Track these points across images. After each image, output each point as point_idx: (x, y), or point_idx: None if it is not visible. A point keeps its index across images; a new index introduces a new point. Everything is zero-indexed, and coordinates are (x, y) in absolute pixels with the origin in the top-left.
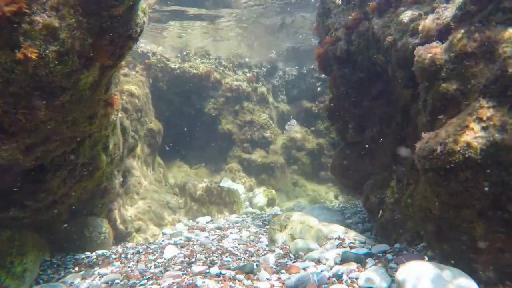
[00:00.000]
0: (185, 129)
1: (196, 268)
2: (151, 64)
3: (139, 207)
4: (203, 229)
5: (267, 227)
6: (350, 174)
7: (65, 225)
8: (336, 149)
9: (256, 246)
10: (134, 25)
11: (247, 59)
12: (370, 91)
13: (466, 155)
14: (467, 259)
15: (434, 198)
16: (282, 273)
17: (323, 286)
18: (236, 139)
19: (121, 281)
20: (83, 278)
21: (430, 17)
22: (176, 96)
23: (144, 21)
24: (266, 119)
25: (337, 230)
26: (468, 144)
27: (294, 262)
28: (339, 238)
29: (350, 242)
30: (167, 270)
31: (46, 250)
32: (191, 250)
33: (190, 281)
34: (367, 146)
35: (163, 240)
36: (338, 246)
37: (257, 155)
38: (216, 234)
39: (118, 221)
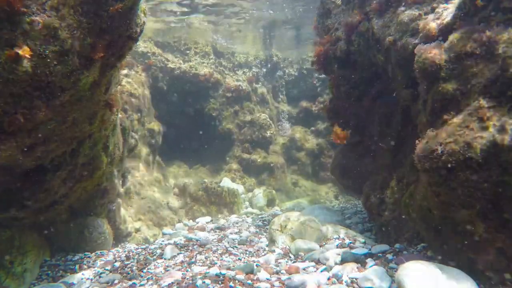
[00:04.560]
0: (185, 130)
1: (196, 268)
2: (151, 64)
3: (139, 207)
4: (203, 229)
5: (267, 227)
6: (350, 174)
7: (72, 225)
8: (336, 149)
9: (256, 246)
10: (134, 25)
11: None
12: (370, 91)
13: (466, 155)
14: (467, 259)
15: (434, 198)
16: (282, 273)
17: (323, 286)
18: (236, 139)
19: (121, 281)
20: (83, 278)
21: (430, 17)
22: (176, 96)
23: (144, 22)
24: (266, 119)
25: (337, 230)
26: (468, 144)
27: (294, 262)
28: (339, 238)
29: (350, 242)
30: (167, 270)
31: (46, 250)
32: (191, 250)
33: (190, 281)
34: (367, 146)
35: (163, 240)
36: (338, 246)
37: (257, 155)
38: (216, 234)
39: (118, 221)
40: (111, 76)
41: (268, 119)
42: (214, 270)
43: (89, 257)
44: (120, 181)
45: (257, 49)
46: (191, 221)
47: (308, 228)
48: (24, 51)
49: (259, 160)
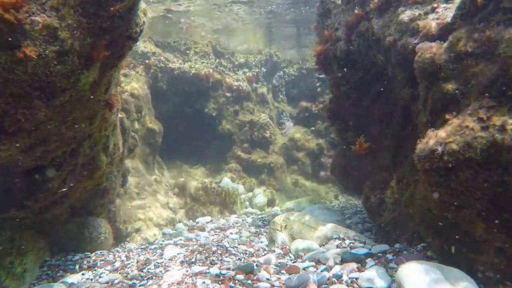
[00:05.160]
0: (185, 130)
1: (196, 268)
2: (151, 64)
3: (139, 207)
4: (203, 229)
5: (267, 227)
6: (350, 174)
7: (72, 225)
8: (336, 149)
9: (256, 246)
10: (134, 25)
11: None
12: (370, 91)
13: (466, 155)
14: (467, 259)
15: (434, 198)
16: (282, 273)
17: (323, 286)
18: (236, 139)
19: (121, 281)
20: (83, 278)
21: (430, 17)
22: (176, 96)
23: (144, 21)
24: (266, 119)
25: (337, 230)
26: (468, 144)
27: (294, 262)
28: (339, 238)
29: (350, 242)
30: (167, 270)
31: (46, 250)
32: (191, 250)
33: (190, 281)
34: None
35: (163, 240)
36: (338, 246)
37: (257, 155)
38: (216, 234)
39: (118, 221)
40: (111, 76)
41: (268, 119)
42: (214, 270)
43: (89, 257)
44: (120, 181)
45: (258, 43)
46: (191, 221)
47: (308, 228)
48: (31, 52)
49: (259, 160)
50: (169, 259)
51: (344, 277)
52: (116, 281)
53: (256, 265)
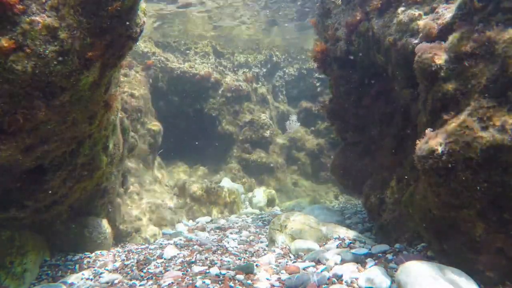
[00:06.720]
0: (185, 130)
1: (196, 268)
2: (151, 64)
3: (139, 207)
4: (203, 229)
5: (267, 227)
6: (350, 174)
7: (72, 225)
8: (336, 149)
9: (256, 246)
10: (134, 25)
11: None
12: (370, 91)
13: (466, 155)
14: (467, 259)
15: (434, 198)
16: (282, 273)
17: (323, 286)
18: (236, 139)
19: (121, 281)
20: (83, 278)
21: (430, 17)
22: (176, 96)
23: (144, 21)
24: (266, 119)
25: (337, 230)
26: (468, 144)
27: (294, 262)
28: (339, 238)
29: (350, 242)
30: (167, 270)
31: (46, 250)
32: (191, 250)
33: (190, 281)
34: (367, 146)
35: (163, 240)
36: (338, 246)
37: (257, 155)
38: (216, 234)
39: (118, 221)
40: (111, 76)
41: (268, 119)
42: (214, 270)
43: (89, 257)
44: (120, 181)
45: (257, 34)
46: (191, 221)
47: (308, 228)
48: (7, 43)
49: (259, 160)
50: (169, 259)
51: (344, 277)
52: (116, 281)
53: (256, 265)
